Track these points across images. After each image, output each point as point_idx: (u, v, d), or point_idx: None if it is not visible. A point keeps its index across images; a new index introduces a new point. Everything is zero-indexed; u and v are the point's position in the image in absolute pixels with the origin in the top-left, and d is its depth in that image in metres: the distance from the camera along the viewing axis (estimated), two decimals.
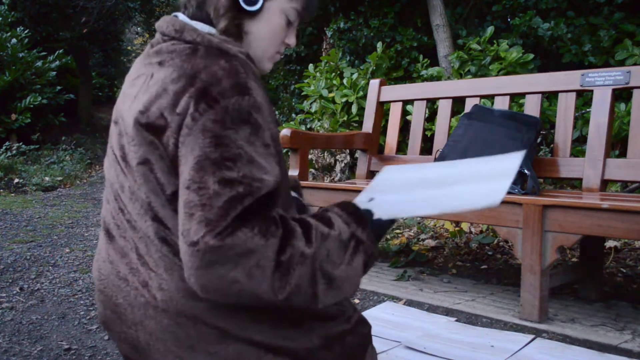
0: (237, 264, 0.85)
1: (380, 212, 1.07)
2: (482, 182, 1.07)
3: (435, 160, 2.68)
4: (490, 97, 3.40)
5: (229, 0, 1.04)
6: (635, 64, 4.01)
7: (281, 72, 7.47)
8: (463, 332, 2.10)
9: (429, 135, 3.93)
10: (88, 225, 4.33)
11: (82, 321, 2.32)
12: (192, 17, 1.08)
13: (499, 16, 5.31)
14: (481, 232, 3.58)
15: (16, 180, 6.27)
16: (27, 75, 8.05)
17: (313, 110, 5.10)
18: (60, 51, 8.83)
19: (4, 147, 7.25)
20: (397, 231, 3.86)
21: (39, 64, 8.34)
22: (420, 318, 2.27)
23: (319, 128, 4.91)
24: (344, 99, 4.75)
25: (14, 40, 8.03)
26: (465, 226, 3.49)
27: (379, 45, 4.90)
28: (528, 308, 2.18)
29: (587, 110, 3.63)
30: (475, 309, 2.34)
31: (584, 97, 3.92)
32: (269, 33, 1.10)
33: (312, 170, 5.05)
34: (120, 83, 15.88)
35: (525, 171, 2.41)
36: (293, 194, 1.30)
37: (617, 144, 3.79)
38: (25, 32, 8.43)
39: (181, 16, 1.08)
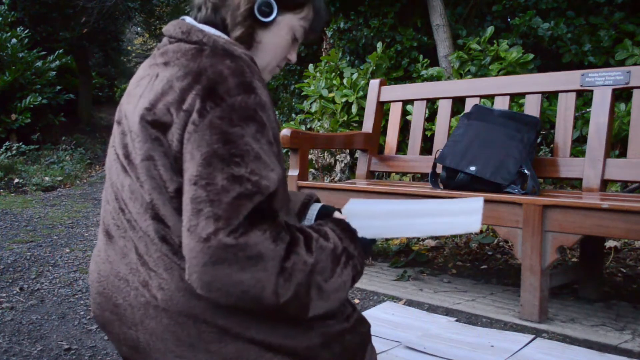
0: (245, 266, 0.86)
1: (362, 233, 1.11)
2: (453, 217, 1.11)
3: (436, 160, 2.68)
4: (490, 97, 3.40)
5: (247, 10, 1.07)
6: (635, 64, 4.01)
7: (281, 72, 7.47)
8: (463, 332, 2.10)
9: (429, 135, 3.93)
10: (88, 225, 4.33)
11: (82, 321, 2.32)
12: (206, 20, 1.10)
13: (499, 16, 5.31)
14: (481, 232, 3.58)
15: (16, 180, 6.27)
16: (27, 75, 8.05)
17: (313, 110, 5.10)
18: (60, 51, 8.83)
19: (4, 147, 7.25)
20: None
21: (39, 64, 8.34)
22: (420, 318, 2.27)
23: (319, 128, 4.91)
24: (344, 99, 4.75)
25: (14, 40, 8.03)
26: None
27: (379, 45, 4.90)
28: (528, 308, 2.18)
29: (587, 110, 3.63)
30: (475, 309, 2.34)
31: (584, 97, 3.92)
32: (275, 46, 1.13)
33: (312, 170, 5.05)
34: (120, 83, 15.91)
35: (525, 171, 2.41)
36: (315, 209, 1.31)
37: (617, 144, 3.79)
38: (25, 32, 8.44)
39: (188, 19, 1.10)
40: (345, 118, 4.79)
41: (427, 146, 3.84)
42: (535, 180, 2.39)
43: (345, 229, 1.07)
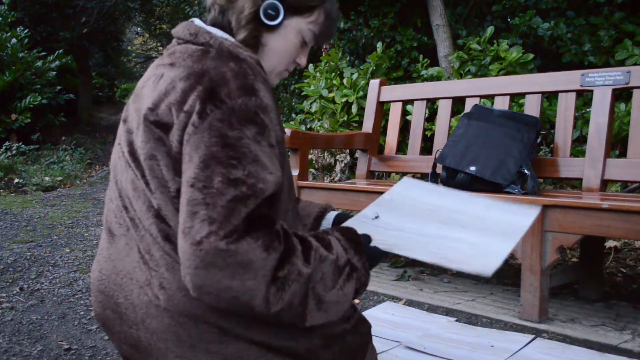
0: (235, 272, 0.85)
1: (378, 238, 1.07)
2: (487, 237, 1.03)
3: (436, 160, 2.68)
4: (490, 97, 3.40)
5: (251, 13, 1.07)
6: (635, 64, 4.01)
7: None
8: (463, 332, 2.10)
9: (429, 135, 3.93)
10: (88, 225, 4.33)
11: (82, 321, 2.32)
12: (213, 22, 1.11)
13: (499, 16, 5.31)
14: None
15: (16, 180, 6.27)
16: (27, 75, 8.05)
17: (313, 110, 5.09)
18: (60, 51, 8.83)
19: (4, 147, 7.25)
20: None
21: (39, 64, 8.34)
22: (420, 318, 2.27)
23: (319, 128, 4.91)
24: (344, 99, 4.75)
25: (14, 40, 8.03)
26: None
27: (379, 45, 4.90)
28: (528, 308, 2.18)
29: (587, 110, 3.63)
30: (475, 309, 2.34)
31: (584, 97, 3.92)
32: (282, 49, 1.12)
33: (312, 170, 5.05)
34: (120, 83, 15.92)
35: (525, 171, 2.41)
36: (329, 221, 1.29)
37: (617, 144, 3.79)
38: (25, 32, 8.43)
39: (197, 21, 1.11)
40: (345, 118, 4.79)
41: (427, 146, 3.84)
42: (535, 180, 2.39)
43: (351, 239, 1.04)
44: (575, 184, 3.87)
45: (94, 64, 13.09)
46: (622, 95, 3.92)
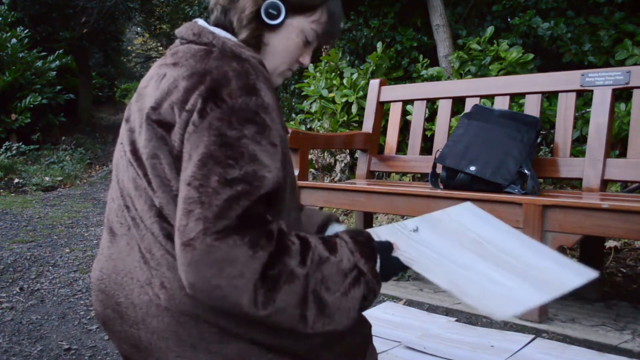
0: (221, 270, 0.85)
1: (405, 250, 1.02)
2: (522, 283, 0.95)
3: (436, 160, 2.68)
4: (490, 97, 3.40)
5: (252, 13, 1.07)
6: (635, 64, 4.01)
7: None
8: (463, 332, 2.10)
9: (429, 135, 3.93)
10: (88, 225, 4.33)
11: (82, 321, 2.32)
12: (216, 22, 1.11)
13: (499, 16, 5.31)
14: None
15: (16, 180, 6.27)
16: (27, 75, 8.05)
17: (313, 110, 5.09)
18: (60, 51, 8.83)
19: (4, 147, 7.26)
20: None
21: (39, 64, 8.34)
22: (420, 318, 2.27)
23: (319, 128, 4.91)
24: (344, 99, 4.75)
25: (14, 40, 8.03)
26: None
27: (379, 45, 4.90)
28: None
29: (587, 110, 3.63)
30: (475, 309, 2.34)
31: (584, 97, 3.92)
32: (285, 48, 1.12)
33: (312, 170, 5.05)
34: (120, 83, 15.91)
35: (525, 171, 2.41)
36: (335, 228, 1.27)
37: (617, 144, 3.79)
38: (25, 32, 8.44)
39: (200, 21, 1.11)
40: (345, 118, 4.79)
41: (427, 146, 3.84)
42: (535, 180, 2.39)
43: (360, 242, 1.00)
44: (575, 184, 3.87)
45: (94, 64, 13.10)
46: (622, 95, 3.92)
